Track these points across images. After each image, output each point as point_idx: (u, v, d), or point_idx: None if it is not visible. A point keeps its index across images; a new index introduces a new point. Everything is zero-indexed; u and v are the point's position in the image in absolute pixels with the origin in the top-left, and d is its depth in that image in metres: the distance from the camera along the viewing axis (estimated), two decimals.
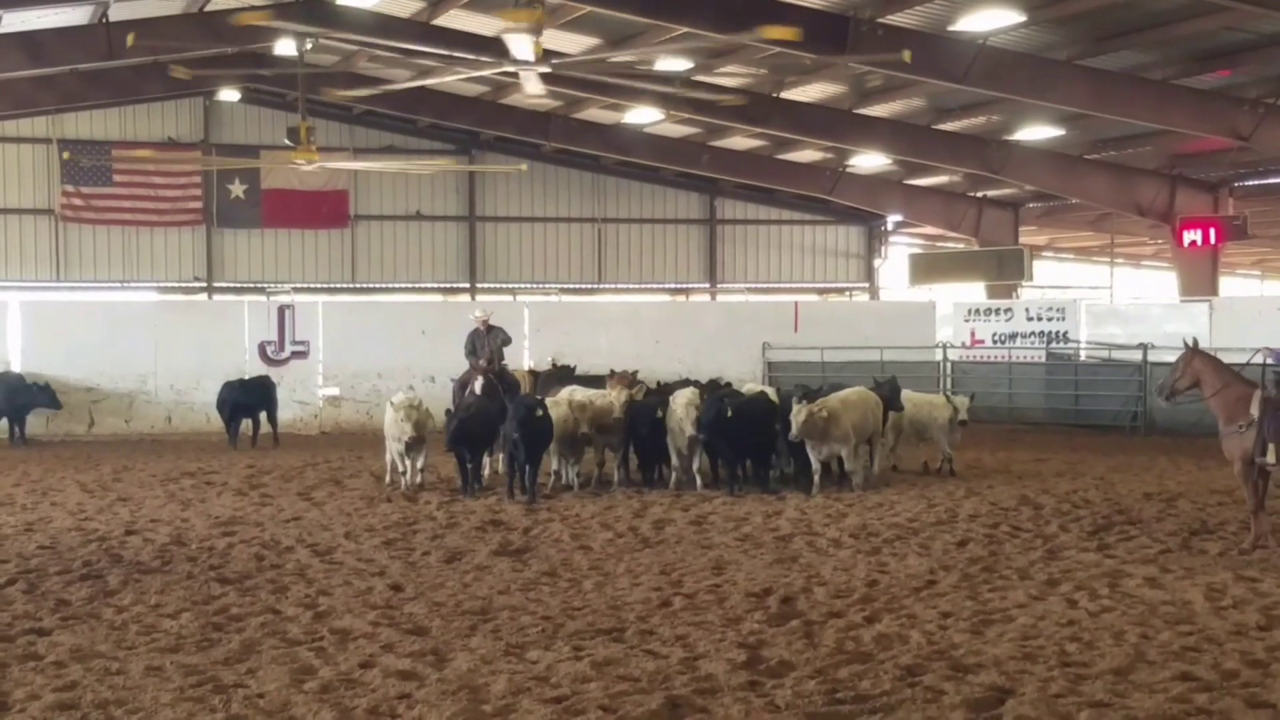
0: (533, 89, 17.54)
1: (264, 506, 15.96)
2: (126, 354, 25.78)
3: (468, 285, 34.02)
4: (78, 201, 30.93)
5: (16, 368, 25.85)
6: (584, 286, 34.86)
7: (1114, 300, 36.34)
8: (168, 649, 9.28)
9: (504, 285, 34.23)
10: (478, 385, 18.69)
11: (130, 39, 22.86)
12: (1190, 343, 13.69)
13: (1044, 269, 39.77)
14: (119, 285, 31.70)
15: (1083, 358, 27.97)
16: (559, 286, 34.63)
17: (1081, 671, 8.60)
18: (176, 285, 32.13)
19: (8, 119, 30.24)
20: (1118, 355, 26.84)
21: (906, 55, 18.33)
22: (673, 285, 35.76)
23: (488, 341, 19.56)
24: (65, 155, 29.31)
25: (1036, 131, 26.87)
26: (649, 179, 34.83)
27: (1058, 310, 28.75)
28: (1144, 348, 25.19)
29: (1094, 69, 22.26)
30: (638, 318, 30.11)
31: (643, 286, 35.42)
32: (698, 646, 9.27)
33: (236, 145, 31.33)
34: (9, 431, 24.42)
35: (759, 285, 36.05)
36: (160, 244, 31.87)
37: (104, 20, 24.24)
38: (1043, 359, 28.07)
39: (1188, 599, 10.62)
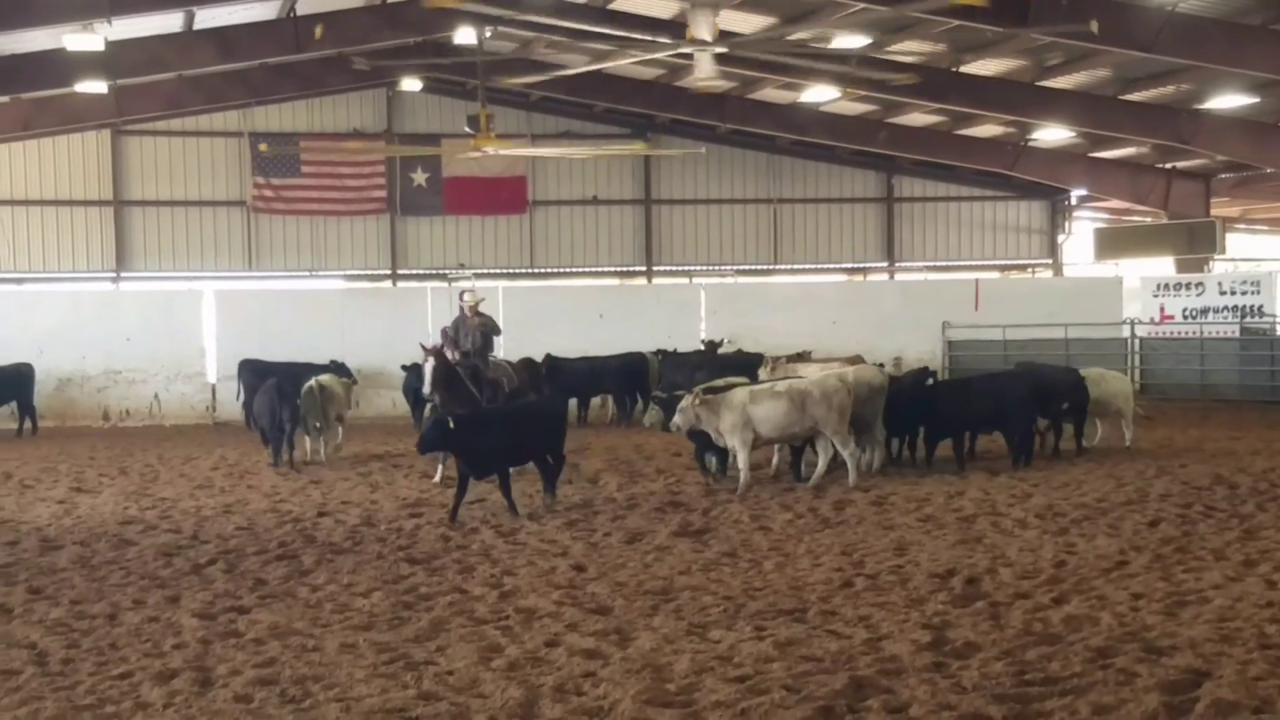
0: (705, 71, 17.49)
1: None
2: (315, 340, 26.41)
3: (644, 268, 34.20)
4: (268, 193, 31.86)
5: (211, 354, 26.92)
6: (760, 268, 34.71)
7: None
8: (360, 627, 9.55)
9: (680, 268, 34.28)
10: (426, 370, 16.63)
11: (318, 31, 23.41)
12: None
13: (1237, 241, 38.41)
14: (307, 274, 32.61)
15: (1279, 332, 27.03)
16: (734, 268, 34.56)
17: None
18: (362, 273, 32.93)
19: (202, 113, 31.29)
20: None
21: (1094, 25, 17.80)
22: (849, 265, 35.41)
23: (471, 330, 18.08)
24: (262, 148, 30.14)
25: (1229, 99, 25.88)
26: (825, 158, 34.51)
27: (1252, 283, 27.82)
28: None
29: None
30: (814, 298, 29.92)
31: (819, 267, 35.13)
32: (881, 627, 9.20)
33: (418, 134, 31.97)
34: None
35: (938, 264, 35.48)
36: (346, 233, 32.68)
37: (291, 14, 24.92)
38: (1236, 334, 27.21)
39: None
